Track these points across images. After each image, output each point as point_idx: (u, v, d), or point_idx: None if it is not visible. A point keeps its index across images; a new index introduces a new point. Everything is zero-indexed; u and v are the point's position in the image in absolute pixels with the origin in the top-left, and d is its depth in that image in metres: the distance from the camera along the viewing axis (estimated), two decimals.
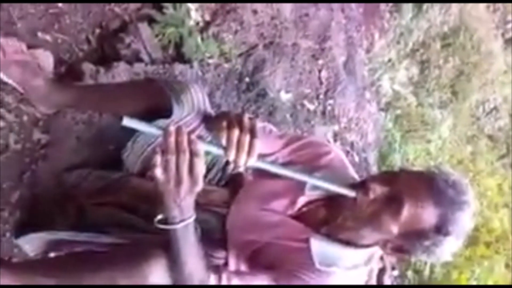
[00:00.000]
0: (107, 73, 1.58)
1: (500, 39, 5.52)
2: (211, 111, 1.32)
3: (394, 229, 1.02)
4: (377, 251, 1.13)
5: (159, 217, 1.00)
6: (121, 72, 1.61)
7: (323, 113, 2.33)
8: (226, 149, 0.96)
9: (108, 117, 1.49)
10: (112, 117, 1.47)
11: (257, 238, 1.20)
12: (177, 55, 1.79)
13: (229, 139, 0.95)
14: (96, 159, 1.47)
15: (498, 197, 4.16)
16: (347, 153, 2.39)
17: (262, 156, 1.22)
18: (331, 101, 2.39)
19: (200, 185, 0.93)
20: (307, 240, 1.13)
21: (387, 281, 2.39)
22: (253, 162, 0.97)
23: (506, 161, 4.95)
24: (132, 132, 1.38)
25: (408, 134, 3.54)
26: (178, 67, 1.74)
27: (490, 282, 3.42)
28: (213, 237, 1.28)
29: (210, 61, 1.87)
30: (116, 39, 1.68)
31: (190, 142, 0.91)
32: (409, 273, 3.09)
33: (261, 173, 1.34)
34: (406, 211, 1.00)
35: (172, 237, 1.00)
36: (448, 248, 1.02)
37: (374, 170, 2.68)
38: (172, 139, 0.90)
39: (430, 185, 1.00)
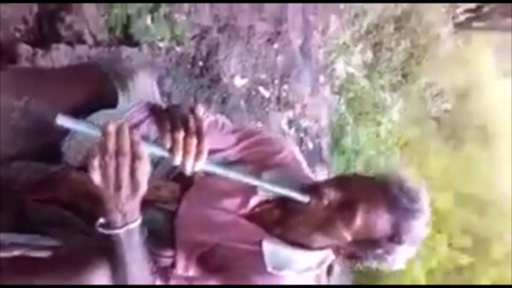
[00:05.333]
0: (46, 55, 1.45)
1: (450, 23, 5.65)
2: (160, 101, 1.24)
3: (347, 236, 1.00)
4: (330, 254, 1.11)
5: (100, 220, 0.93)
6: (61, 55, 1.48)
7: (278, 99, 2.29)
8: (171, 152, 0.89)
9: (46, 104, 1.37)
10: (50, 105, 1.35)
11: (207, 239, 1.15)
12: (124, 37, 1.67)
13: (174, 142, 0.89)
14: (33, 150, 1.35)
15: (443, 178, 4.34)
16: (301, 140, 2.37)
17: (213, 152, 1.17)
18: (286, 87, 2.35)
19: (143, 190, 0.87)
20: (259, 243, 1.10)
21: (336, 267, 2.44)
22: (201, 166, 0.91)
23: (451, 142, 5.17)
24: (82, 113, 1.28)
25: (360, 117, 3.59)
26: (126, 51, 1.63)
27: (433, 261, 3.57)
28: (160, 236, 1.22)
29: (161, 44, 1.76)
30: (56, 18, 1.54)
31: (132, 143, 0.84)
32: None
33: None
34: (359, 218, 0.97)
35: (115, 242, 0.94)
36: (401, 256, 1.01)
37: (326, 155, 2.69)
38: (111, 141, 0.83)
39: (384, 192, 0.98)
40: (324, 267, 1.12)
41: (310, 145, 2.44)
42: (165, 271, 1.09)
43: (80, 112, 1.30)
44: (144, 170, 0.85)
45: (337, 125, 3.15)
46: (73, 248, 1.08)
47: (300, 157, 1.24)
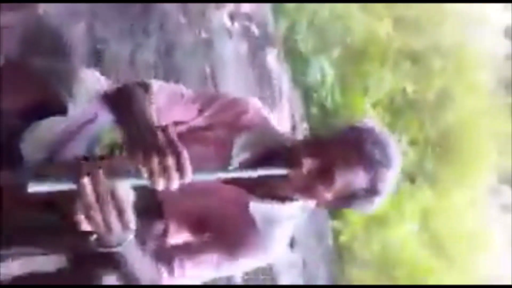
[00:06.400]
0: None
1: None
2: (108, 87, 1.16)
3: (328, 196, 1.08)
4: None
5: (94, 237, 0.95)
6: None
7: None
8: (151, 180, 0.88)
9: None
10: None
11: (193, 205, 1.19)
12: None
13: (151, 173, 0.86)
14: None
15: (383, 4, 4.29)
16: (247, 29, 2.28)
17: (178, 125, 1.15)
18: None
19: (133, 221, 0.88)
20: (245, 204, 1.16)
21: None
22: (189, 179, 0.91)
23: None
24: (31, 117, 1.20)
25: None
26: (41, 6, 1.42)
27: (380, 93, 3.75)
28: (148, 211, 1.25)
29: None
30: None
31: (111, 187, 0.83)
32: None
33: (187, 138, 1.27)
34: (338, 181, 1.04)
35: (113, 254, 0.98)
36: (377, 202, 1.10)
37: (272, 31, 2.61)
38: (89, 192, 0.82)
39: (360, 151, 1.04)
40: (306, 212, 1.22)
41: (256, 31, 2.36)
42: (168, 259, 1.13)
43: (27, 117, 1.21)
44: (129, 205, 0.85)
45: None
46: (75, 268, 1.13)
47: (265, 112, 1.24)
